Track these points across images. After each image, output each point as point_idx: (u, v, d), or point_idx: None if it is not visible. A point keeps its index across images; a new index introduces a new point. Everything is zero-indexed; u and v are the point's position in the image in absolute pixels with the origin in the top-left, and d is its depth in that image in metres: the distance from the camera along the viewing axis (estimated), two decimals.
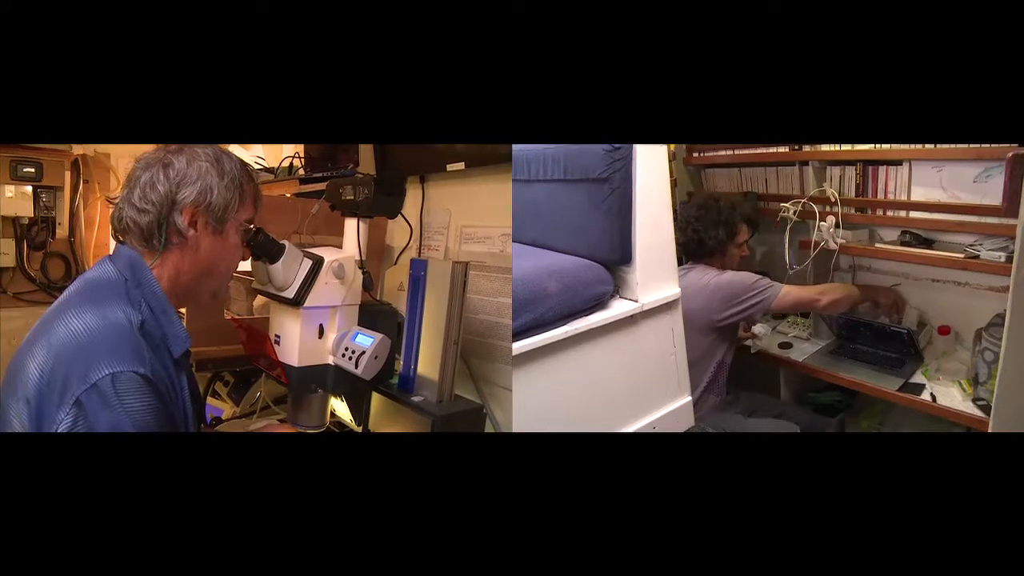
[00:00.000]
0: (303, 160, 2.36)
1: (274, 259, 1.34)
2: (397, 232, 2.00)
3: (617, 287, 1.71)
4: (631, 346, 1.70)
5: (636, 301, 1.68)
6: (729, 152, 2.64)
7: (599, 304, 1.64)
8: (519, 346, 1.45)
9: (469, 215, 1.87)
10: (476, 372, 1.73)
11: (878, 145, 2.12)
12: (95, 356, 0.99)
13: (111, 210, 1.21)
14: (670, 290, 1.78)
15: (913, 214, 2.11)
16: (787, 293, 2.10)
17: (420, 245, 2.00)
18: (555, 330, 1.52)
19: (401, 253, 1.98)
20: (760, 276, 2.13)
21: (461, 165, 1.79)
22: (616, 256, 1.66)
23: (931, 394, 1.95)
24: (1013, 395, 1.58)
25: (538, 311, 1.49)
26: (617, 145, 1.59)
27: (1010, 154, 1.65)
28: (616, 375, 1.68)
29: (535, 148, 1.77)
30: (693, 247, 2.21)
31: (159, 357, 1.08)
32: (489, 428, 1.60)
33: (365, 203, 1.48)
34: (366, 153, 2.07)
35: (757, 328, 2.32)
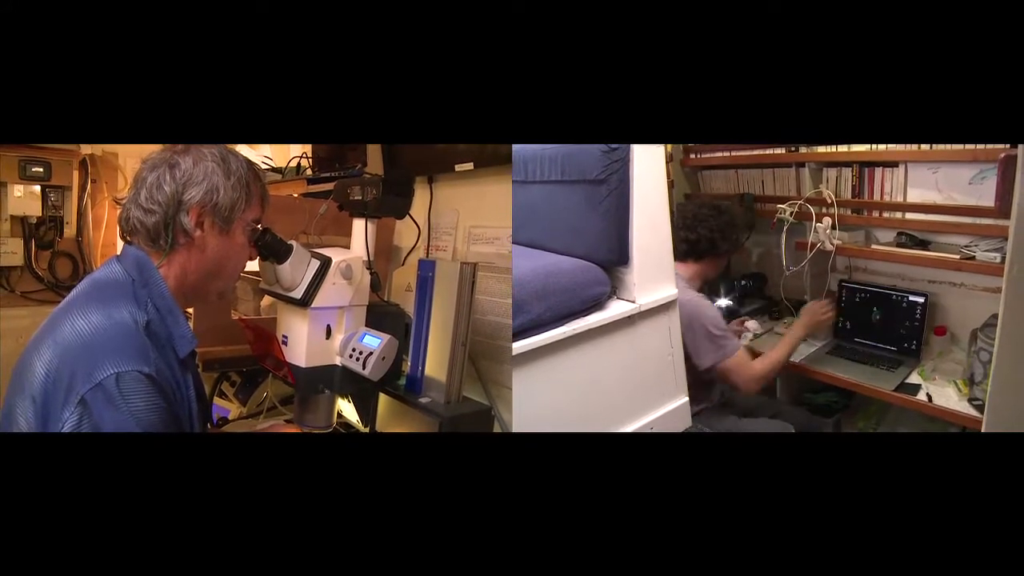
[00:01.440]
0: (311, 160, 2.37)
1: (281, 259, 1.35)
2: (405, 232, 2.01)
3: (614, 288, 1.72)
4: (629, 347, 1.71)
5: (633, 302, 1.69)
6: (726, 153, 2.66)
7: (597, 305, 1.65)
8: (517, 346, 1.46)
9: (477, 216, 1.88)
10: (484, 373, 1.75)
11: (874, 146, 2.13)
12: (100, 356, 1.00)
13: (118, 211, 1.22)
14: (667, 291, 1.79)
15: (909, 215, 2.13)
16: (737, 363, 2.04)
17: (428, 246, 2.01)
18: (553, 331, 1.53)
19: (409, 254, 2.00)
20: (724, 335, 2.05)
21: (470, 165, 1.80)
22: (613, 257, 1.67)
23: (927, 394, 1.97)
24: (1007, 392, 1.59)
25: (535, 312, 1.50)
26: (614, 146, 1.60)
27: (1002, 155, 1.67)
28: (614, 376, 1.69)
29: (532, 149, 1.78)
30: (704, 246, 2.13)
31: (164, 357, 1.10)
32: (497, 430, 1.61)
33: (373, 203, 1.50)
34: (374, 153, 2.09)
35: (751, 323, 2.31)
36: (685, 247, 2.14)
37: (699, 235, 2.12)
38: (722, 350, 2.02)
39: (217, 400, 2.08)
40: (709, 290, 2.52)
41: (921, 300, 2.22)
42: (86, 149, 2.85)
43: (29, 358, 1.06)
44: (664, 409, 1.85)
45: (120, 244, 1.25)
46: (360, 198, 1.51)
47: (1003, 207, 1.69)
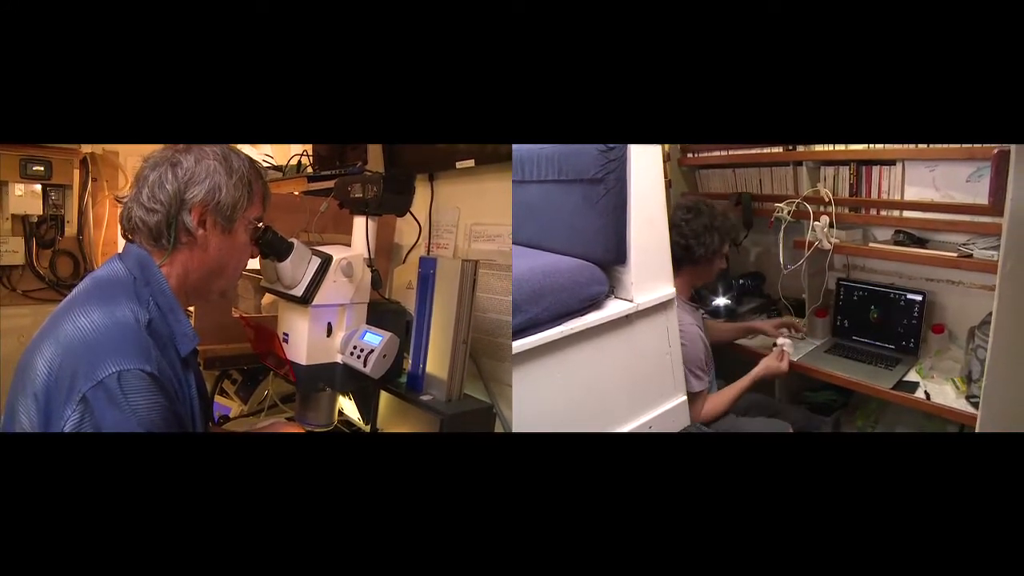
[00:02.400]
0: (311, 158, 2.37)
1: (282, 257, 1.36)
2: (406, 230, 2.01)
3: (612, 287, 1.73)
4: (627, 346, 1.72)
5: (631, 301, 1.70)
6: (723, 153, 2.66)
7: (595, 304, 1.65)
8: (516, 346, 1.47)
9: (478, 213, 1.88)
10: (485, 371, 1.75)
11: (872, 145, 2.14)
12: (102, 354, 1.01)
13: (119, 209, 1.22)
14: (665, 290, 1.80)
15: (907, 214, 2.14)
16: (709, 403, 2.05)
17: (429, 243, 2.02)
18: (551, 330, 1.53)
19: (410, 251, 1.99)
20: (695, 373, 2.01)
21: (471, 163, 1.80)
22: (611, 256, 1.68)
23: (925, 392, 1.97)
24: (1001, 387, 1.60)
25: (534, 311, 1.51)
26: (612, 145, 1.61)
27: (995, 151, 1.68)
28: (612, 375, 1.70)
29: (530, 149, 1.79)
30: (678, 253, 2.00)
31: (166, 355, 1.10)
32: (499, 427, 1.62)
33: (374, 201, 1.50)
34: (375, 151, 2.08)
35: (782, 340, 2.25)
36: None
37: (672, 242, 1.98)
38: (687, 384, 1.98)
39: (218, 398, 2.08)
40: (710, 290, 2.53)
41: (919, 298, 2.22)
42: (87, 148, 2.85)
43: (31, 357, 1.06)
44: (662, 408, 1.86)
45: (121, 242, 1.25)
46: (361, 196, 1.52)
47: (997, 203, 1.70)
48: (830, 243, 2.23)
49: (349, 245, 1.55)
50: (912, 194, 2.10)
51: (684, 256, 2.04)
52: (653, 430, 1.80)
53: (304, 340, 1.44)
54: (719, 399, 2.10)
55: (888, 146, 2.10)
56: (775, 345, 2.23)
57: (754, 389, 2.32)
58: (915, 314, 2.23)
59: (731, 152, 2.62)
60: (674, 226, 2.02)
